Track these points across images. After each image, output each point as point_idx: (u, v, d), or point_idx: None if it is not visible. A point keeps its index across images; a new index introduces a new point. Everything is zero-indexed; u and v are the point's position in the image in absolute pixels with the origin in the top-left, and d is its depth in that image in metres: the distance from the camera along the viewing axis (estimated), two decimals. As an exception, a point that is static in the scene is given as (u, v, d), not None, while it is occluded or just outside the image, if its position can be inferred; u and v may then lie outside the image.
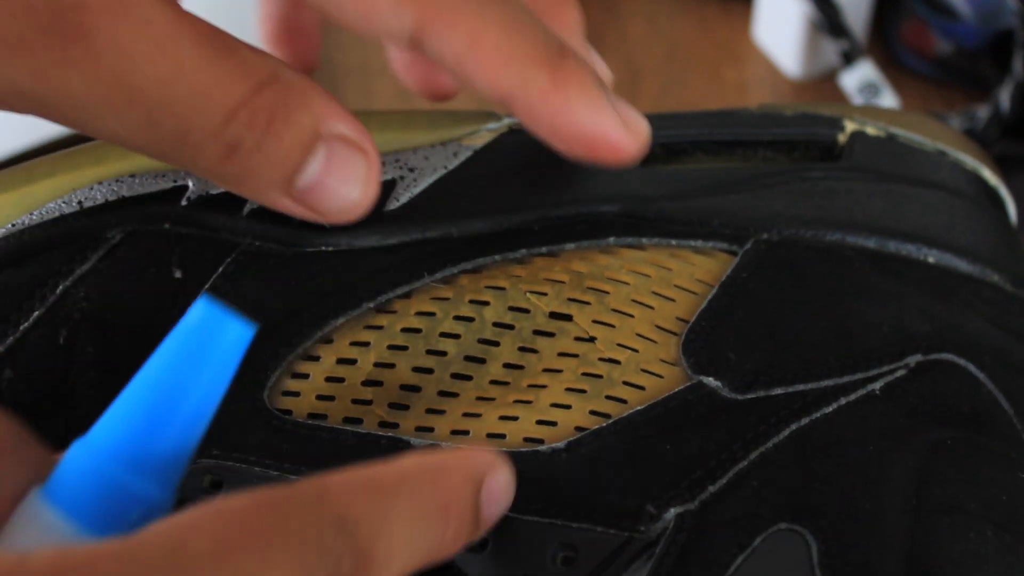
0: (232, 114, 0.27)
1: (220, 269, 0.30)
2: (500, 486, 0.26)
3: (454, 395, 0.29)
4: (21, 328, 0.29)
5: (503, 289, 0.30)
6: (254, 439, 0.28)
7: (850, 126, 0.35)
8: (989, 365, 0.30)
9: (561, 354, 0.29)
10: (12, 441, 0.23)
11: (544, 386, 0.29)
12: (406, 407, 0.29)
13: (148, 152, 0.28)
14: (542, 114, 0.28)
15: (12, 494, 0.23)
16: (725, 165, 0.34)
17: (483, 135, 0.33)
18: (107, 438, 0.22)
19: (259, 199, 0.29)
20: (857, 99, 0.55)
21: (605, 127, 0.28)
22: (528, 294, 0.30)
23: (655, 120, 0.35)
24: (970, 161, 0.35)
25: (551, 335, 0.30)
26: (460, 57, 0.28)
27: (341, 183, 0.28)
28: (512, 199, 0.32)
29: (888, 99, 0.54)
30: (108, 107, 0.26)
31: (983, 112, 0.50)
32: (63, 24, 0.25)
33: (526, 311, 0.30)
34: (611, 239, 0.31)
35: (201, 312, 0.22)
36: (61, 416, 0.29)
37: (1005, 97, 0.49)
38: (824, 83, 0.58)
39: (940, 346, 0.30)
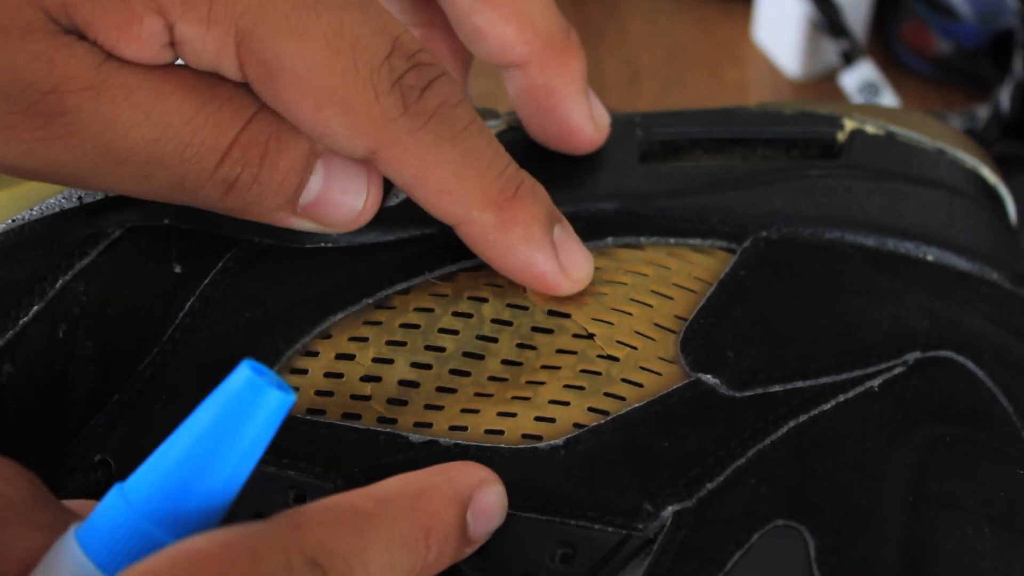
0: (225, 155, 0.27)
1: (220, 265, 0.30)
2: (490, 503, 0.26)
3: (452, 391, 0.29)
4: (21, 323, 0.29)
5: (501, 286, 0.30)
6: (253, 435, 0.28)
7: (849, 124, 0.35)
8: (988, 362, 0.30)
9: (560, 351, 0.29)
10: (31, 502, 0.23)
11: (542, 383, 0.29)
12: (404, 403, 0.29)
13: (148, 198, 0.29)
14: (483, 249, 0.29)
15: (26, 555, 0.23)
16: (724, 163, 0.34)
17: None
18: (142, 493, 0.22)
19: (266, 222, 0.29)
20: (857, 99, 0.55)
21: (542, 269, 0.29)
22: (527, 291, 0.30)
23: (655, 118, 0.35)
24: (969, 159, 0.35)
25: (550, 332, 0.30)
26: (409, 187, 0.28)
27: (343, 194, 0.29)
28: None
29: (888, 99, 0.54)
30: (99, 171, 0.27)
31: (983, 112, 0.50)
32: (43, 106, 0.26)
33: (524, 308, 0.30)
34: (609, 239, 0.31)
35: (244, 379, 0.22)
36: (60, 410, 0.29)
37: (1005, 97, 0.49)
38: (824, 83, 0.58)
39: (939, 343, 0.30)
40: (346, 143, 0.27)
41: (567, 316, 0.30)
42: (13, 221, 0.30)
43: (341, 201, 0.29)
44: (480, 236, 0.29)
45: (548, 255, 0.29)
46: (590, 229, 0.31)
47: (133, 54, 0.26)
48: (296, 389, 0.29)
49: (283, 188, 0.28)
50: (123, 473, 0.28)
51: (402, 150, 0.27)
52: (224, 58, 0.26)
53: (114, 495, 0.23)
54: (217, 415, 0.22)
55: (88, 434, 0.29)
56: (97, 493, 0.28)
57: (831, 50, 0.56)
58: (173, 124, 0.26)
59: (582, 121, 0.32)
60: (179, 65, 0.27)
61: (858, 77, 0.55)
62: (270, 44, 0.26)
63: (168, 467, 0.22)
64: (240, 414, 0.22)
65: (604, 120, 0.33)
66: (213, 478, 0.22)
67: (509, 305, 0.30)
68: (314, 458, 0.28)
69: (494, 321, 0.30)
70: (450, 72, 0.28)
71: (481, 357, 0.29)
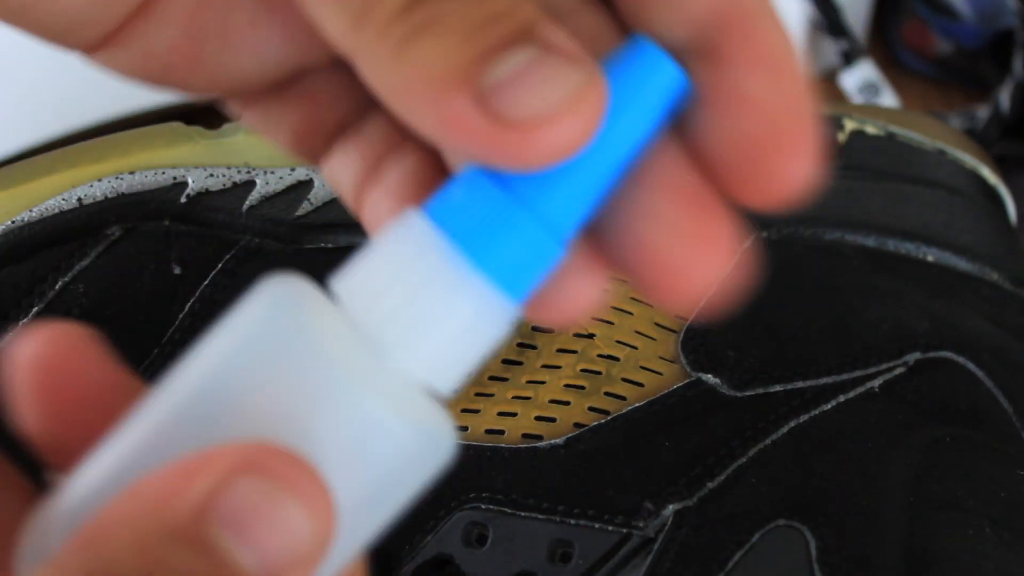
0: None
1: (219, 266, 0.30)
2: (246, 502, 0.16)
3: (453, 392, 0.29)
4: (20, 324, 0.29)
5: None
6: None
7: (849, 125, 0.35)
8: (988, 363, 0.30)
9: (560, 350, 0.29)
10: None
11: (543, 382, 0.29)
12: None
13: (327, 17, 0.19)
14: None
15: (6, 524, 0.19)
16: (724, 163, 0.34)
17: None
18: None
19: (430, 96, 0.18)
20: (857, 99, 0.55)
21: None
22: None
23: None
24: (969, 160, 0.35)
25: (550, 331, 0.30)
26: None
27: (542, 81, 0.18)
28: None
29: (888, 99, 0.54)
30: None
31: (983, 112, 0.50)
32: None
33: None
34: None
35: (643, 52, 0.19)
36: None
37: (1005, 97, 0.49)
38: (824, 83, 0.58)
39: (939, 344, 0.30)
40: None
41: (567, 316, 0.30)
42: (12, 222, 0.30)
43: (538, 89, 0.18)
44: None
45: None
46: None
47: None
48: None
49: (477, 38, 0.18)
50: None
51: None
52: None
53: (470, 173, 0.18)
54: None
55: (88, 435, 0.29)
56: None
57: (831, 50, 0.56)
58: None
59: None
60: None
61: (858, 77, 0.55)
62: None
63: None
64: (637, 85, 0.19)
65: None
66: (589, 158, 0.18)
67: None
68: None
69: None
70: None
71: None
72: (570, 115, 0.18)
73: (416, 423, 0.17)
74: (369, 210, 0.22)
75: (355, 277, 0.18)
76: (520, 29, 0.18)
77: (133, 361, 0.29)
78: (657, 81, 0.19)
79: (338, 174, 0.23)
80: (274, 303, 0.18)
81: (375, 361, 0.17)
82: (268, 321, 0.18)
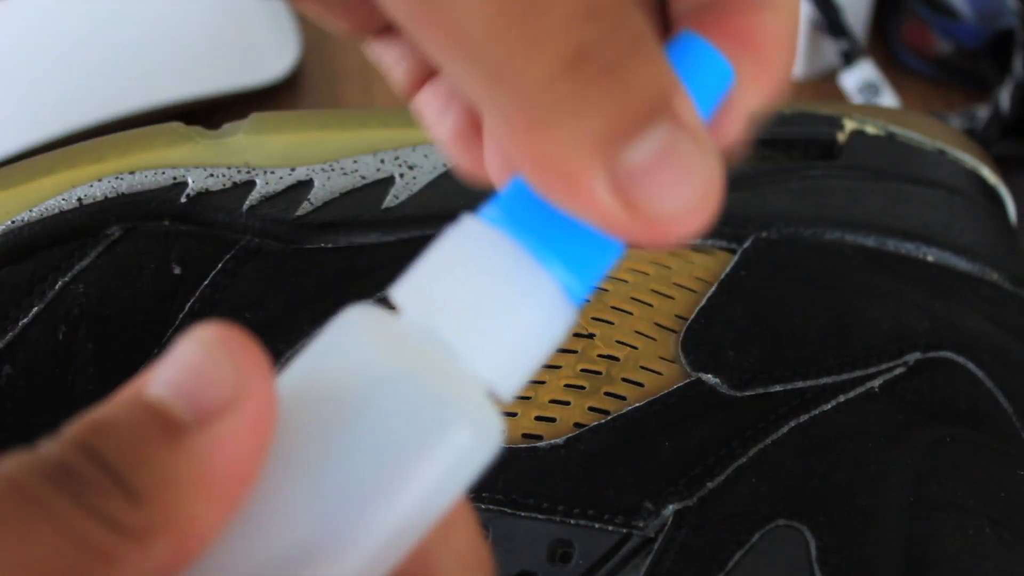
0: (591, 11, 0.18)
1: (219, 266, 0.30)
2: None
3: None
4: (20, 324, 0.29)
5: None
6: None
7: (849, 125, 0.35)
8: (988, 363, 0.30)
9: (560, 350, 0.29)
10: None
11: (543, 382, 0.29)
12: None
13: (479, 48, 0.19)
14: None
15: None
16: (725, 164, 0.34)
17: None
18: None
19: (565, 170, 0.18)
20: (857, 99, 0.55)
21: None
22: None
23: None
24: (969, 160, 0.35)
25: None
26: None
27: (679, 178, 0.19)
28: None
29: (888, 99, 0.54)
30: None
31: (983, 112, 0.50)
32: None
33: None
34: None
35: (695, 49, 0.19)
36: (60, 412, 0.29)
37: (1005, 97, 0.49)
38: (824, 83, 0.58)
39: (939, 344, 0.30)
40: None
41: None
42: (12, 223, 0.30)
43: (675, 185, 0.18)
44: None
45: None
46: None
47: None
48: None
49: (624, 109, 0.18)
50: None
51: None
52: None
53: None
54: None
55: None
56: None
57: (831, 50, 0.56)
58: None
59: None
60: None
61: (858, 77, 0.55)
62: None
63: None
64: (696, 83, 0.19)
65: None
66: None
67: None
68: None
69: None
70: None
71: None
72: (700, 212, 0.18)
73: (481, 426, 0.17)
74: (421, 103, 0.23)
75: (418, 283, 0.18)
76: (657, 102, 0.18)
77: (133, 361, 0.29)
78: (711, 77, 0.19)
79: (389, 60, 0.24)
80: (338, 330, 0.18)
81: (442, 364, 0.17)
82: (334, 346, 0.18)
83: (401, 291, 0.18)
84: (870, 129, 0.35)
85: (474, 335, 0.17)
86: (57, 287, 0.30)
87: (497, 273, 0.18)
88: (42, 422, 0.29)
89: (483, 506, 0.28)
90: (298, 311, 0.30)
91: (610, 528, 0.27)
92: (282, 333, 0.29)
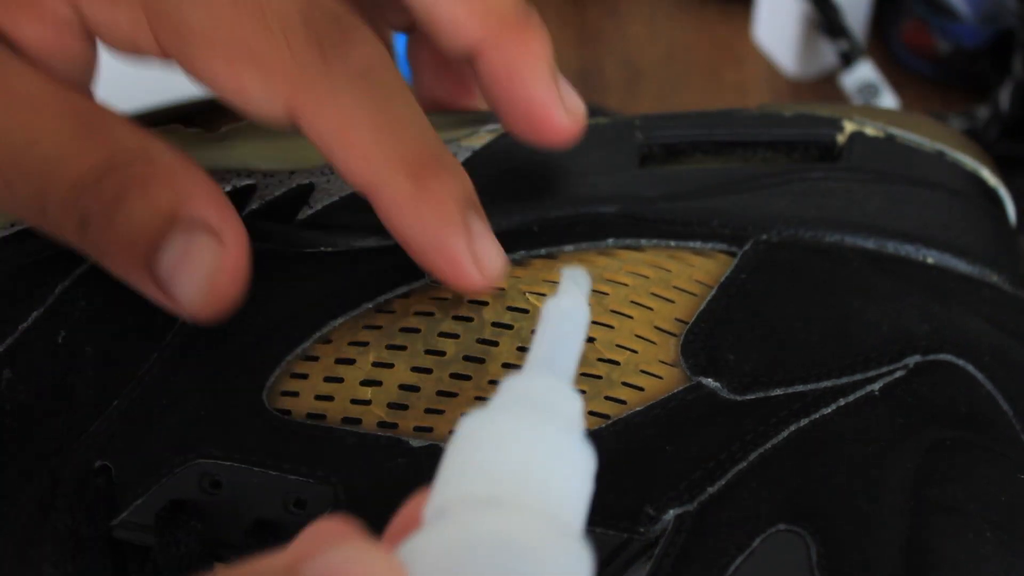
0: (80, 185, 0.26)
1: (219, 269, 0.30)
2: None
3: (453, 395, 0.29)
4: (20, 328, 0.29)
5: (502, 290, 0.30)
6: (253, 439, 0.28)
7: (849, 126, 0.35)
8: (988, 365, 0.30)
9: (560, 354, 0.29)
10: None
11: (543, 386, 0.29)
12: (405, 407, 0.29)
13: (18, 216, 0.28)
14: (396, 221, 0.28)
15: None
16: (724, 166, 0.34)
17: (482, 136, 0.33)
18: None
19: (129, 282, 0.27)
20: (857, 99, 0.55)
21: (453, 251, 0.27)
22: (527, 295, 0.30)
23: (654, 120, 0.35)
24: (969, 161, 0.35)
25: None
26: (327, 148, 0.27)
27: (191, 273, 0.26)
28: (511, 200, 0.32)
29: (888, 99, 0.54)
30: None
31: (983, 112, 0.50)
32: None
33: (525, 311, 0.30)
34: (610, 240, 0.31)
35: None
36: (60, 416, 0.29)
37: (1005, 97, 0.49)
38: (824, 83, 0.58)
39: (939, 346, 0.30)
40: (263, 100, 0.27)
41: (567, 319, 0.30)
42: (12, 226, 0.30)
43: (189, 278, 0.26)
44: (393, 205, 0.27)
45: (460, 237, 0.27)
46: (590, 232, 0.31)
47: (35, 34, 0.27)
48: (296, 394, 0.29)
49: (135, 243, 0.26)
50: (123, 479, 0.28)
51: (319, 105, 0.27)
52: (140, 34, 0.27)
53: None
54: None
55: (88, 440, 0.29)
56: (97, 500, 0.28)
57: (830, 50, 0.56)
58: (42, 138, 0.26)
59: (549, 104, 0.29)
60: (77, 95, 0.27)
61: (858, 78, 0.55)
62: (176, 10, 0.26)
63: None
64: None
65: (577, 107, 0.30)
66: None
67: (509, 308, 0.30)
68: (314, 463, 0.28)
69: (495, 325, 0.30)
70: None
71: (482, 361, 0.29)
72: (211, 299, 0.27)
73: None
74: None
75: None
76: (164, 217, 0.26)
77: (132, 364, 0.29)
78: None
79: None
80: None
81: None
82: None
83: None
84: (870, 131, 0.35)
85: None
86: (57, 291, 0.30)
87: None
88: (42, 426, 0.29)
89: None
90: (298, 315, 0.30)
91: (611, 533, 0.27)
92: (282, 337, 0.29)
